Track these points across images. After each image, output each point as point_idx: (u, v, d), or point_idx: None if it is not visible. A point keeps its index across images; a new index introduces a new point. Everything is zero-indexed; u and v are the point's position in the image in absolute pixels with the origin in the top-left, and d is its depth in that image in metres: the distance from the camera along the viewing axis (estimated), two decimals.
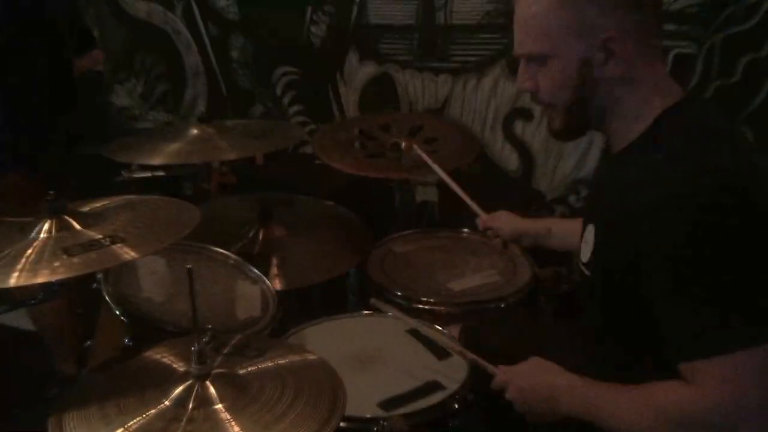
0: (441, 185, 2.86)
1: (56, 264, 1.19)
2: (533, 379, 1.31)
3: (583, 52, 1.18)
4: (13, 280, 1.16)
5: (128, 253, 1.24)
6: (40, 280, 1.16)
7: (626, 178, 1.21)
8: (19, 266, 1.18)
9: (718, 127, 1.20)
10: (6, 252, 1.23)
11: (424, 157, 1.99)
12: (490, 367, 1.40)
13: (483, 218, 1.88)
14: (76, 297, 2.71)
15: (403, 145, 2.23)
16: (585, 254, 1.31)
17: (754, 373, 1.05)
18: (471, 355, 1.46)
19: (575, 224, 1.48)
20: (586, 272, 1.31)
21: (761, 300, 1.07)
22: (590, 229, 1.30)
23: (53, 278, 1.16)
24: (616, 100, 1.22)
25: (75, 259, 1.20)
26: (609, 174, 1.33)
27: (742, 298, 1.07)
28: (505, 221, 1.85)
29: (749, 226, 1.07)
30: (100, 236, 1.27)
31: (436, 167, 1.94)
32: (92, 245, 1.24)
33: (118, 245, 1.25)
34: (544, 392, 1.28)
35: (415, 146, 2.09)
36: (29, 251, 1.23)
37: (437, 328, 1.63)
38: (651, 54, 1.20)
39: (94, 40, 2.77)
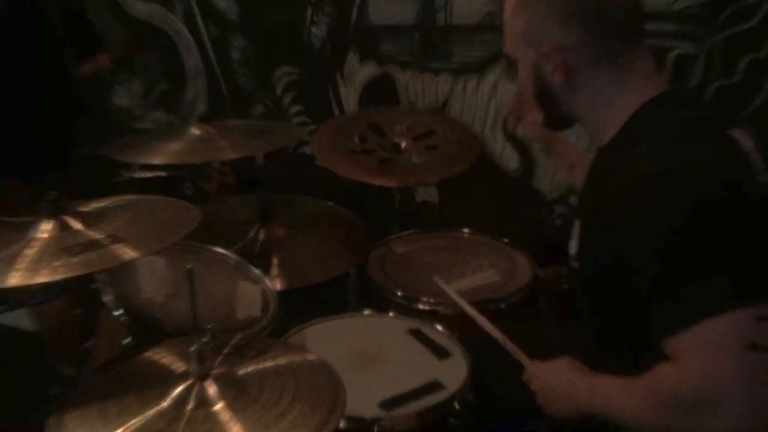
0: (441, 185, 2.86)
1: (56, 264, 1.19)
2: (557, 376, 1.33)
3: (532, 58, 1.27)
4: (14, 280, 1.15)
5: (128, 253, 1.23)
6: (40, 279, 1.15)
7: (605, 173, 1.24)
8: (19, 266, 1.18)
9: (696, 117, 1.22)
10: (5, 252, 1.22)
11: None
12: (525, 359, 1.43)
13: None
14: (76, 297, 2.73)
15: (404, 144, 2.23)
16: (573, 247, 1.33)
17: (727, 340, 1.04)
18: (511, 344, 1.48)
19: None
20: (575, 265, 1.33)
21: (721, 270, 1.07)
22: (577, 224, 1.33)
23: (54, 278, 1.16)
24: (578, 102, 1.27)
25: (75, 259, 1.19)
26: (593, 170, 1.38)
27: (703, 273, 1.07)
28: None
29: (720, 206, 1.08)
30: (101, 236, 1.27)
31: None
32: (92, 245, 1.24)
33: (118, 245, 1.24)
34: (564, 390, 1.30)
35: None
36: (29, 251, 1.22)
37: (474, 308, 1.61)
38: (610, 61, 1.22)
39: (101, 43, 2.76)
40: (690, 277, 1.08)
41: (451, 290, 1.73)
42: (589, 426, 1.24)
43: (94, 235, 1.28)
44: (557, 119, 1.36)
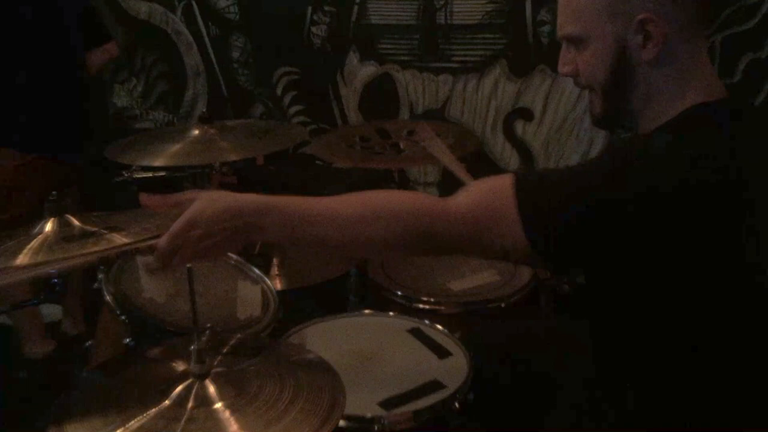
0: (441, 185, 2.87)
1: (55, 249, 1.19)
2: (214, 205, 1.17)
3: (618, 33, 1.16)
4: (19, 260, 1.16)
5: (124, 240, 1.23)
6: (41, 259, 1.16)
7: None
8: (22, 253, 1.19)
9: (736, 133, 1.16)
10: (7, 244, 1.24)
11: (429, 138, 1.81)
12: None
13: None
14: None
15: (403, 145, 2.23)
16: None
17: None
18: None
19: None
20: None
21: None
22: None
23: (54, 267, 1.16)
24: (653, 85, 1.18)
25: (72, 245, 1.20)
26: None
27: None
28: None
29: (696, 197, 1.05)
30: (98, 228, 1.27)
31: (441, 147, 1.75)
32: (89, 235, 1.24)
33: (115, 233, 1.24)
34: (228, 214, 1.16)
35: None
36: (31, 243, 1.23)
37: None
38: (693, 43, 1.16)
39: (108, 33, 2.79)
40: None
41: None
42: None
43: (93, 228, 1.28)
44: (617, 112, 1.25)
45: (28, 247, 1.22)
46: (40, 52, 2.39)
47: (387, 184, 2.57)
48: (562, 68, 1.26)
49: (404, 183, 2.93)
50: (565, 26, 1.22)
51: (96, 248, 1.19)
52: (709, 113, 1.15)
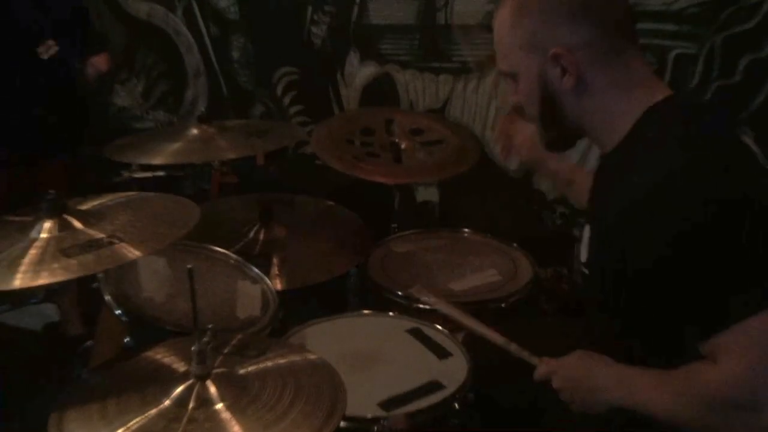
0: (442, 185, 2.87)
1: (55, 266, 1.19)
2: (579, 369, 1.30)
3: (539, 67, 1.22)
4: (18, 282, 1.16)
5: (129, 253, 1.23)
6: (42, 281, 1.15)
7: (613, 180, 1.23)
8: (21, 268, 1.18)
9: (699, 122, 1.20)
10: (6, 252, 1.22)
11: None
12: (534, 359, 1.40)
13: (502, 120, 1.81)
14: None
15: (404, 145, 2.23)
16: (584, 254, 1.32)
17: (766, 342, 1.04)
18: (515, 346, 1.46)
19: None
20: (585, 271, 1.32)
21: (750, 271, 1.07)
22: (587, 230, 1.32)
23: (53, 280, 1.16)
24: (587, 108, 1.23)
25: (73, 260, 1.19)
26: (600, 176, 1.36)
27: (733, 276, 1.07)
28: (529, 136, 1.70)
29: (732, 209, 1.07)
30: (101, 236, 1.27)
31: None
32: (91, 245, 1.24)
33: (118, 245, 1.24)
34: (589, 382, 1.27)
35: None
36: (31, 252, 1.22)
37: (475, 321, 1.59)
38: (620, 57, 1.20)
39: (105, 42, 2.80)
40: (717, 281, 1.07)
41: (441, 303, 1.69)
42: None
43: (95, 234, 1.28)
44: (560, 137, 1.32)
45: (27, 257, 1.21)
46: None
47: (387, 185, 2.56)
48: (511, 99, 1.33)
49: (405, 182, 2.92)
50: (499, 63, 1.29)
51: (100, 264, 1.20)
52: (663, 113, 1.19)
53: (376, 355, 1.59)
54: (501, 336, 1.49)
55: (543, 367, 1.37)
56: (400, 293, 1.85)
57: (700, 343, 1.10)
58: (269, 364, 1.24)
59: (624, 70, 1.21)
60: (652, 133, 1.18)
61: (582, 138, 1.32)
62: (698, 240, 1.07)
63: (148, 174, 2.51)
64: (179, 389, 1.14)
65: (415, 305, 1.80)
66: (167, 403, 1.12)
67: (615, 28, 1.20)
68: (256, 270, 1.76)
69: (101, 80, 3.05)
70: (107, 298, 1.57)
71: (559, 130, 1.30)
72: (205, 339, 1.17)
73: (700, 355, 1.11)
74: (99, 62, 2.70)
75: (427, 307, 1.75)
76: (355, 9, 2.89)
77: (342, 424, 1.28)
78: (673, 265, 1.09)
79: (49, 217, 1.30)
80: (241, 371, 1.21)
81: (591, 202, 1.41)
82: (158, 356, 1.27)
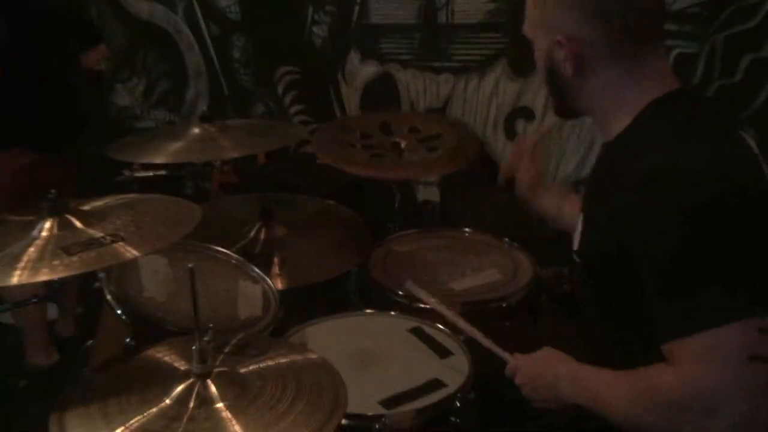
0: (443, 184, 2.87)
1: (56, 263, 1.19)
2: (540, 366, 1.35)
3: (547, 46, 1.27)
4: (15, 279, 1.16)
5: (129, 252, 1.23)
6: (41, 278, 1.15)
7: (612, 168, 1.24)
8: (21, 265, 1.18)
9: (703, 117, 1.21)
10: (7, 250, 1.22)
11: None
12: (505, 354, 1.44)
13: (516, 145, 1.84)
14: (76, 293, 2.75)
15: (404, 143, 2.23)
16: (576, 242, 1.33)
17: (729, 351, 1.05)
18: (487, 341, 1.49)
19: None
20: (577, 259, 1.33)
21: (729, 279, 1.07)
22: (580, 218, 1.34)
23: (53, 276, 1.16)
24: (588, 94, 1.27)
25: (74, 258, 1.19)
26: (598, 165, 1.38)
27: (711, 279, 1.07)
28: (533, 176, 1.71)
29: (727, 207, 1.08)
30: (101, 235, 1.27)
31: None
32: (92, 243, 1.24)
33: (119, 244, 1.24)
34: (548, 379, 1.32)
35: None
36: (30, 249, 1.22)
37: (451, 311, 1.62)
38: (621, 59, 1.22)
39: (99, 32, 2.80)
40: (693, 281, 1.08)
41: (422, 292, 1.70)
42: (586, 428, 1.24)
43: (95, 233, 1.28)
44: (565, 108, 1.36)
45: (27, 254, 1.21)
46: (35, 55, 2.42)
47: (387, 184, 2.56)
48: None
49: (404, 182, 2.92)
50: (525, 26, 1.34)
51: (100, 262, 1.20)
52: (665, 105, 1.20)
53: (378, 354, 1.59)
54: (477, 330, 1.53)
55: (512, 363, 1.42)
56: (401, 292, 1.85)
57: (663, 345, 1.11)
58: (270, 363, 1.24)
59: (633, 67, 1.22)
60: (653, 124, 1.19)
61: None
62: (692, 233, 1.07)
63: (150, 173, 2.51)
64: (180, 388, 1.14)
65: (415, 305, 1.81)
66: (168, 402, 1.12)
67: (630, 29, 1.20)
68: (258, 269, 1.76)
69: (101, 75, 3.07)
70: (108, 297, 1.57)
71: (561, 102, 1.35)
72: (206, 338, 1.17)
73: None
74: (91, 59, 2.72)
75: (423, 305, 1.75)
76: (356, 8, 2.89)
77: (343, 422, 1.28)
78: (665, 256, 1.10)
79: (51, 216, 1.30)
80: (242, 370, 1.21)
81: (587, 189, 1.42)
82: (159, 355, 1.27)
